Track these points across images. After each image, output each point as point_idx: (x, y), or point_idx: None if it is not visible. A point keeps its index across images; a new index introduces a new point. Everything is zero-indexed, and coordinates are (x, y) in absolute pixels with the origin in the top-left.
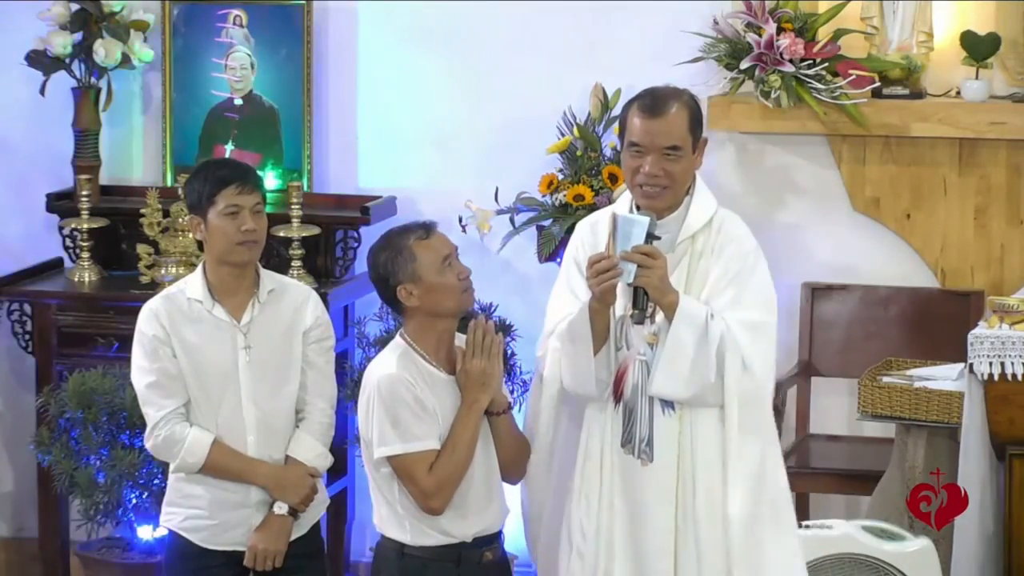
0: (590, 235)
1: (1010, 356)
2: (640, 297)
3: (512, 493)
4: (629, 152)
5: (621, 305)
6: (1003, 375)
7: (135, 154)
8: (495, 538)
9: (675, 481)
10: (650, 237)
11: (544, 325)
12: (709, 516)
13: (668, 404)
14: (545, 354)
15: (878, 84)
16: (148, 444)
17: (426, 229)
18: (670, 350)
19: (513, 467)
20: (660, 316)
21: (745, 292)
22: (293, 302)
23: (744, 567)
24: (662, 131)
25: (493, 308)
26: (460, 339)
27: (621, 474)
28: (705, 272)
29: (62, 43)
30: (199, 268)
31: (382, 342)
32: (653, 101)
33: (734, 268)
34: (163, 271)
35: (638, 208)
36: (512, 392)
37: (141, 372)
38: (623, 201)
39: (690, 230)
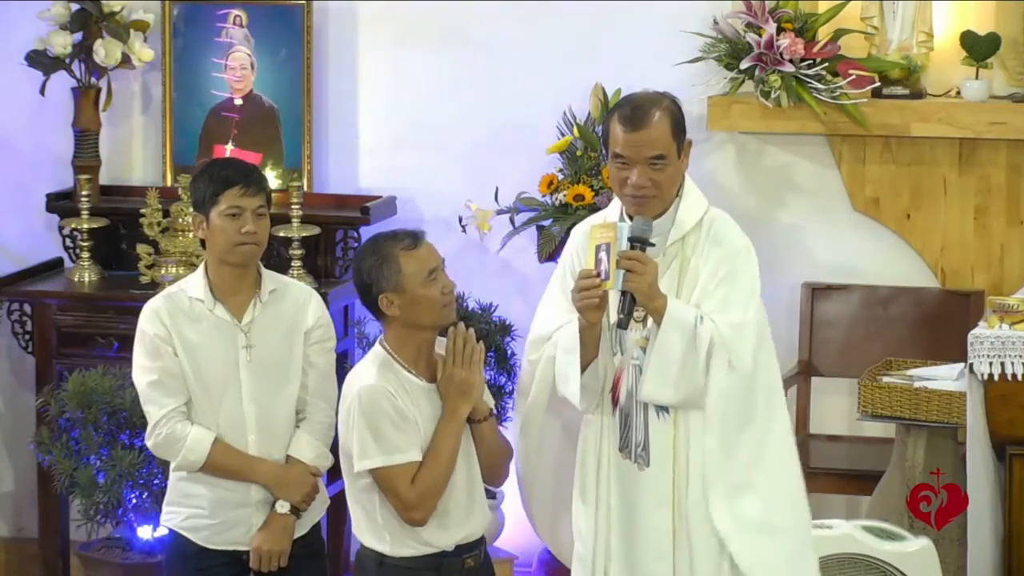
0: (585, 241)
1: (1010, 356)
2: (628, 302)
3: (509, 498)
4: (614, 163)
5: (615, 312)
6: (1003, 375)
7: (135, 154)
8: (477, 544)
9: (671, 485)
10: (643, 243)
11: (533, 328)
12: (704, 520)
13: (663, 409)
14: (539, 358)
15: (878, 84)
16: (149, 443)
17: (414, 239)
18: (658, 355)
19: (495, 472)
20: (651, 321)
21: (734, 293)
22: (295, 302)
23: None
24: (646, 142)
25: (493, 308)
26: (440, 344)
27: (618, 478)
28: (696, 273)
29: (62, 43)
30: (200, 267)
31: None
32: (633, 112)
33: (724, 269)
34: (163, 271)
35: (629, 216)
36: (511, 393)
37: (142, 371)
38: (614, 207)
39: (680, 232)
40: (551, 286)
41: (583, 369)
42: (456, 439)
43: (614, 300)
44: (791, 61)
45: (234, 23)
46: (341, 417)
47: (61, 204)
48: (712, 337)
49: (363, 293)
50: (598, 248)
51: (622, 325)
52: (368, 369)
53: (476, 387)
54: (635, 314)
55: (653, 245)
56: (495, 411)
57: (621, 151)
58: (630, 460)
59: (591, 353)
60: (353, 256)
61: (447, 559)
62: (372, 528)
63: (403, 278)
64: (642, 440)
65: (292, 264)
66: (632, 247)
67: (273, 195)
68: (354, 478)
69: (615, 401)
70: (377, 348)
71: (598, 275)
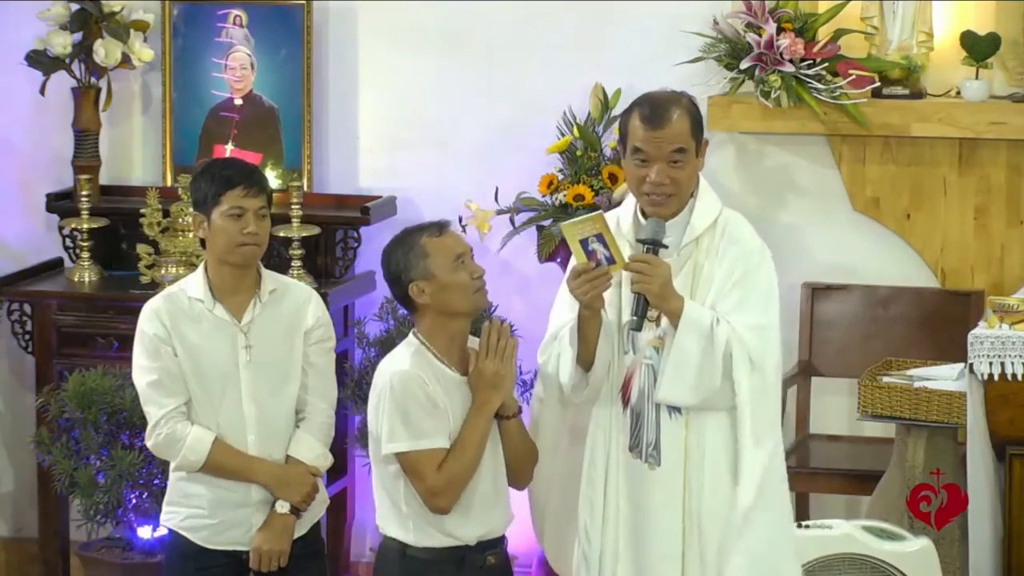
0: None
1: (1010, 356)
2: (640, 304)
3: (516, 497)
4: (633, 161)
5: (627, 311)
6: (1003, 375)
7: (135, 154)
8: (499, 542)
9: (682, 485)
10: (655, 245)
11: (546, 333)
12: (716, 520)
13: (675, 408)
14: (548, 359)
15: (878, 84)
16: (149, 443)
17: (439, 227)
18: (675, 357)
19: (520, 472)
20: (666, 320)
21: (751, 294)
22: (295, 302)
23: (743, 553)
24: (666, 138)
25: (493, 308)
26: (473, 341)
27: (627, 478)
28: (710, 274)
29: (62, 43)
30: (200, 267)
31: (382, 342)
32: (654, 110)
33: (739, 270)
34: (163, 271)
35: (643, 213)
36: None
37: (142, 371)
38: (627, 206)
39: (694, 232)
40: (562, 292)
41: (588, 366)
42: (484, 431)
43: (627, 299)
44: (791, 61)
45: (234, 23)
46: (371, 402)
47: (61, 204)
48: (729, 339)
49: (393, 284)
50: (585, 242)
51: (636, 327)
52: (402, 355)
53: (507, 380)
54: (648, 314)
55: (666, 247)
56: (521, 410)
57: (641, 146)
58: (640, 460)
59: (591, 346)
60: (382, 252)
61: (469, 554)
62: (397, 517)
63: (431, 264)
64: (653, 440)
65: (292, 264)
66: (645, 249)
67: (273, 195)
68: (382, 465)
69: (626, 400)
70: (411, 337)
71: (597, 264)
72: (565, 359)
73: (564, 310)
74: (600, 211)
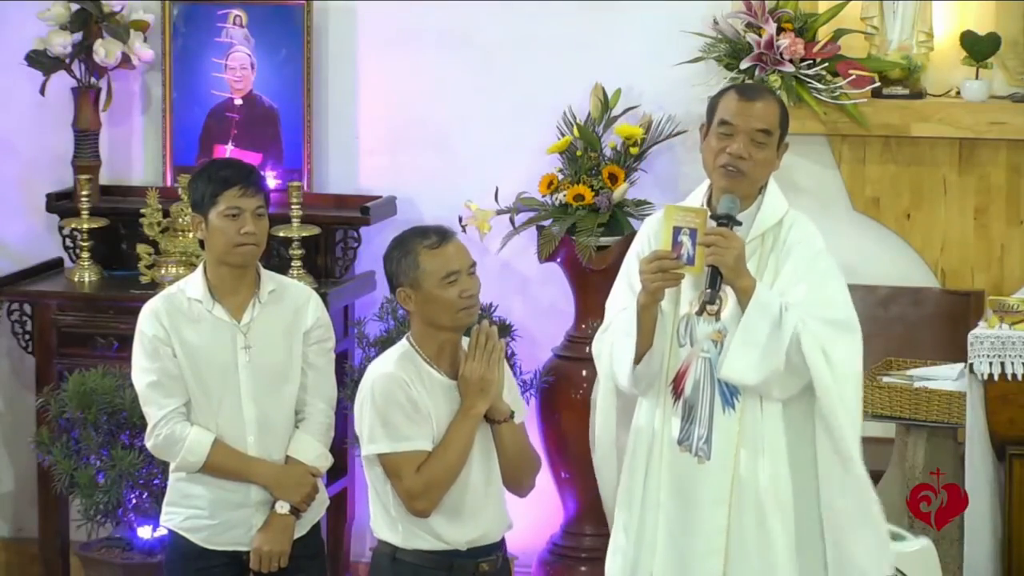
0: (661, 221)
1: (1010, 356)
2: (716, 279)
3: (517, 503)
4: (716, 133)
5: (686, 303)
6: (1003, 375)
7: (135, 154)
8: (493, 549)
9: (730, 480)
10: (729, 220)
11: (604, 319)
12: (770, 515)
13: (728, 403)
14: (601, 350)
15: (878, 84)
16: (149, 444)
17: (442, 237)
18: (742, 335)
19: (516, 478)
20: (726, 313)
21: (820, 290)
22: (294, 302)
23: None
24: (756, 114)
25: (493, 308)
26: (465, 344)
27: (671, 472)
28: (775, 270)
29: (62, 43)
30: (199, 268)
31: (382, 342)
32: (750, 88)
33: (804, 265)
34: (163, 271)
35: (710, 199)
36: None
37: (142, 372)
38: (697, 194)
39: (762, 227)
40: (618, 280)
41: (639, 358)
42: (468, 435)
43: (687, 291)
44: (791, 61)
45: (234, 23)
46: (356, 405)
47: (61, 204)
48: (797, 328)
49: (389, 283)
50: (677, 230)
51: (710, 300)
52: (388, 358)
53: (494, 385)
54: (709, 307)
55: (739, 223)
56: (514, 415)
57: (730, 118)
58: (690, 453)
59: (647, 339)
60: (388, 245)
61: (459, 560)
62: (387, 520)
63: (421, 275)
64: (705, 433)
65: (292, 264)
66: (719, 224)
67: (273, 195)
68: (370, 467)
69: (677, 393)
70: (403, 340)
71: (677, 258)
72: (620, 348)
73: (622, 298)
74: (706, 209)
